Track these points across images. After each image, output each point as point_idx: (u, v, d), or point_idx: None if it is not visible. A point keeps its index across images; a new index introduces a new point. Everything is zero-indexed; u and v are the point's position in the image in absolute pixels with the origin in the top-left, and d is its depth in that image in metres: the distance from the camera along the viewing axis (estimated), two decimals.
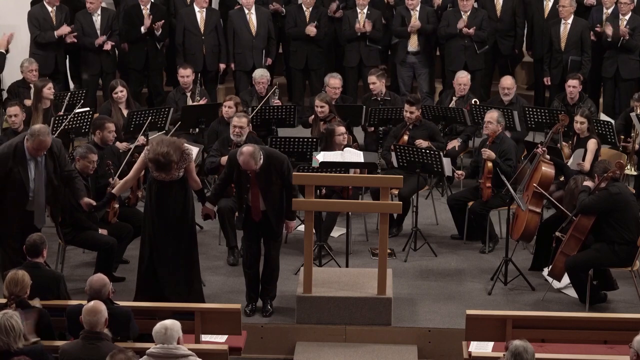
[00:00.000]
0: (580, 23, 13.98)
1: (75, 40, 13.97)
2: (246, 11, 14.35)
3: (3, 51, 12.89)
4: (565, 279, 9.83)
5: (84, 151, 9.98)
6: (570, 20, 13.89)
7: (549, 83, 14.21)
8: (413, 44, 14.42)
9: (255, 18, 14.34)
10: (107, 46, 14.07)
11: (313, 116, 12.44)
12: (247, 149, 9.19)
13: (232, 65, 14.46)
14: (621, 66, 13.86)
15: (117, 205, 10.27)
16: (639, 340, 6.96)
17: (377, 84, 13.04)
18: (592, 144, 11.25)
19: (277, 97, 13.00)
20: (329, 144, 10.92)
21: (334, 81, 12.95)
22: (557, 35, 13.96)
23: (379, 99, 13.01)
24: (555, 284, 9.96)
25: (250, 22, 14.33)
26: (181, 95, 13.16)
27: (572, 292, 9.86)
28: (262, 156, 9.22)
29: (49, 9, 13.97)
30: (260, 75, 13.13)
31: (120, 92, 12.45)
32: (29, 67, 12.94)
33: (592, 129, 11.41)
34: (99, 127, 10.75)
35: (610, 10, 14.03)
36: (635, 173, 12.03)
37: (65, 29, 13.88)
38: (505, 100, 12.91)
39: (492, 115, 11.17)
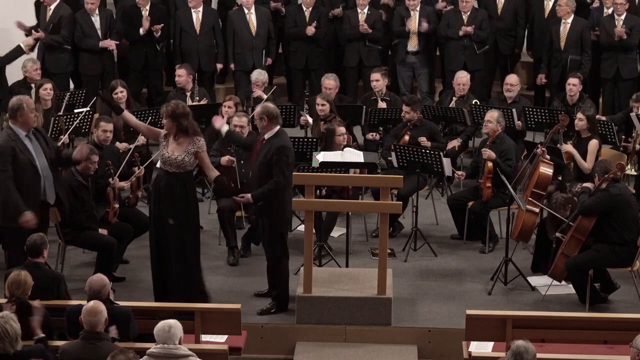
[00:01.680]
0: (581, 23, 13.96)
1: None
2: (246, 11, 14.34)
3: (22, 45, 12.82)
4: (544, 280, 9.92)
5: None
6: (570, 20, 13.88)
7: (543, 82, 14.19)
8: (413, 44, 14.41)
9: (255, 18, 14.33)
10: (113, 46, 14.10)
11: (303, 117, 12.48)
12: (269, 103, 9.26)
13: (232, 66, 14.45)
14: (620, 66, 13.85)
15: (117, 205, 10.26)
16: None
17: (380, 81, 13.04)
18: (592, 145, 11.21)
19: (264, 98, 12.96)
20: (329, 144, 10.92)
21: (328, 82, 12.92)
22: (557, 35, 13.95)
23: (379, 99, 13.01)
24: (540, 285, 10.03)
25: (250, 22, 14.32)
26: (181, 95, 13.14)
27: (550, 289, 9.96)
28: (276, 124, 9.31)
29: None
30: (256, 78, 13.12)
31: (121, 93, 12.42)
32: (33, 67, 12.90)
33: (593, 129, 11.39)
34: (96, 127, 10.81)
35: (610, 10, 14.02)
36: (635, 173, 12.02)
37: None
38: (507, 97, 12.89)
39: (492, 115, 11.18)
